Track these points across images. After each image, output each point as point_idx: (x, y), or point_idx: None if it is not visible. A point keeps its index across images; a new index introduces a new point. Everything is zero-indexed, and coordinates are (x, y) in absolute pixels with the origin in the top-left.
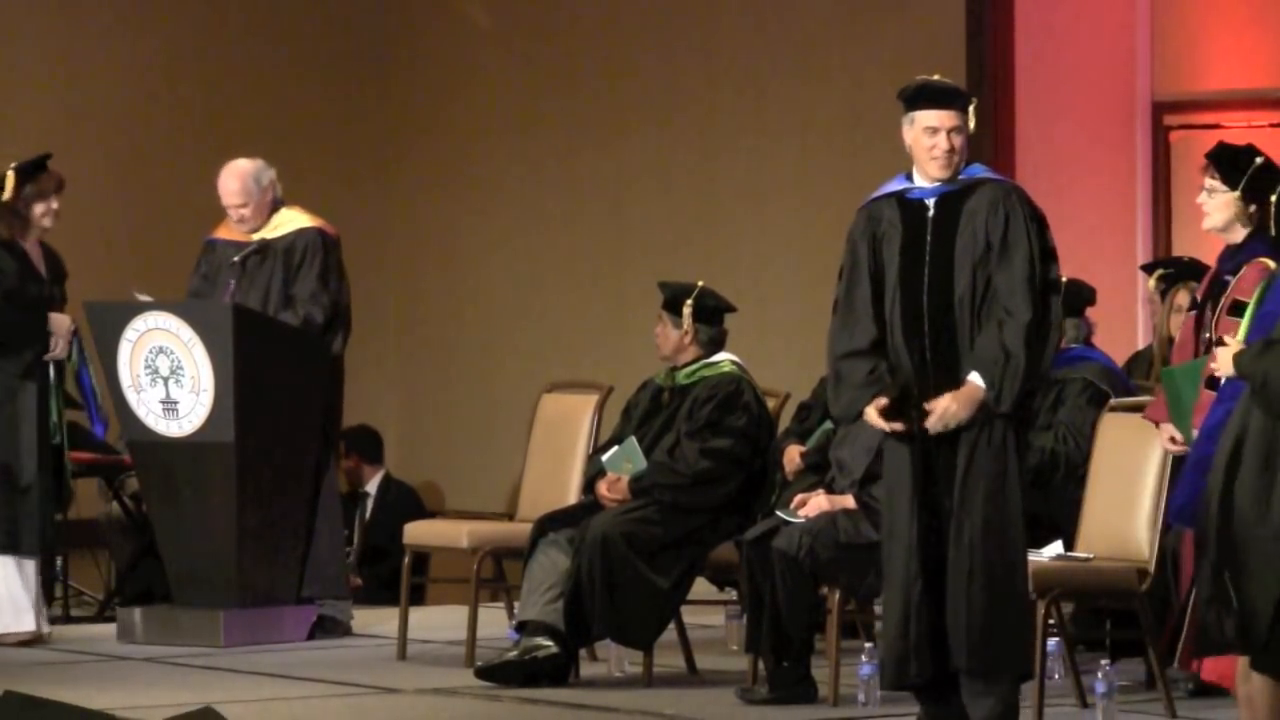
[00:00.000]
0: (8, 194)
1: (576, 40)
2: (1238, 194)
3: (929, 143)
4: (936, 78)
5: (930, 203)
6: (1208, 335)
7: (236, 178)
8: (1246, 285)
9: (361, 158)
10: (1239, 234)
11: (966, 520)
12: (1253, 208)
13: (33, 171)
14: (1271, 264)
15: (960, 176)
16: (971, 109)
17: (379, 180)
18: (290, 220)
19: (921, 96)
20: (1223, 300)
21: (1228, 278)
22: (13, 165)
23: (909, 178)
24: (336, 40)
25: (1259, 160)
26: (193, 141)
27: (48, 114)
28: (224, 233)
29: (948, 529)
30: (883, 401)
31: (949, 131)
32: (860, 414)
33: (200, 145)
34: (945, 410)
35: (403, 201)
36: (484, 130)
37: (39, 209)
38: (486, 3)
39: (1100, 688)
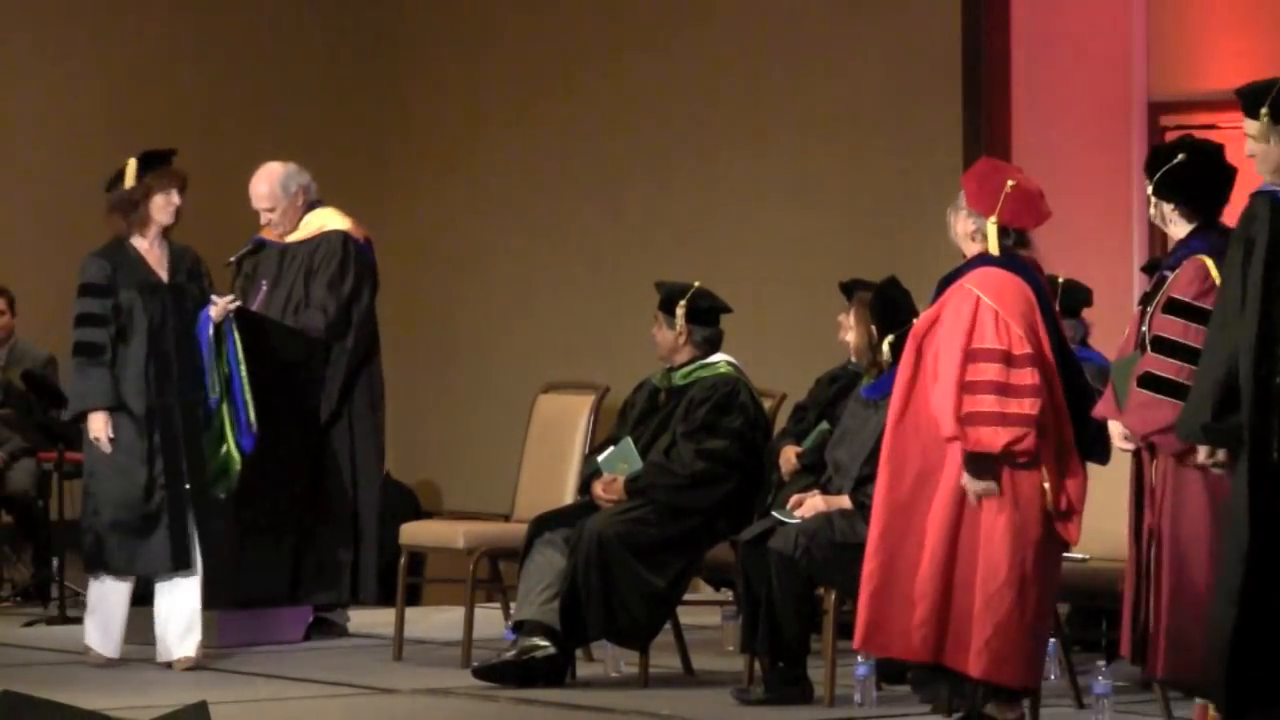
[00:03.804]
0: (128, 183)
1: (573, 40)
2: (1150, 193)
3: None
4: None
5: None
6: (1143, 330)
7: (266, 181)
8: (1181, 283)
9: (358, 158)
10: (1179, 231)
11: None
12: (1169, 206)
13: (154, 162)
14: (1208, 261)
15: None
16: None
17: (375, 181)
18: (319, 222)
19: None
20: (1158, 297)
21: (1166, 273)
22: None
23: None
24: (333, 40)
25: (1176, 159)
26: (192, 142)
27: (46, 115)
28: (267, 233)
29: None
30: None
31: None
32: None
33: (199, 145)
34: None
35: (399, 202)
36: (480, 130)
37: (158, 201)
38: (484, 3)
39: (1097, 688)
